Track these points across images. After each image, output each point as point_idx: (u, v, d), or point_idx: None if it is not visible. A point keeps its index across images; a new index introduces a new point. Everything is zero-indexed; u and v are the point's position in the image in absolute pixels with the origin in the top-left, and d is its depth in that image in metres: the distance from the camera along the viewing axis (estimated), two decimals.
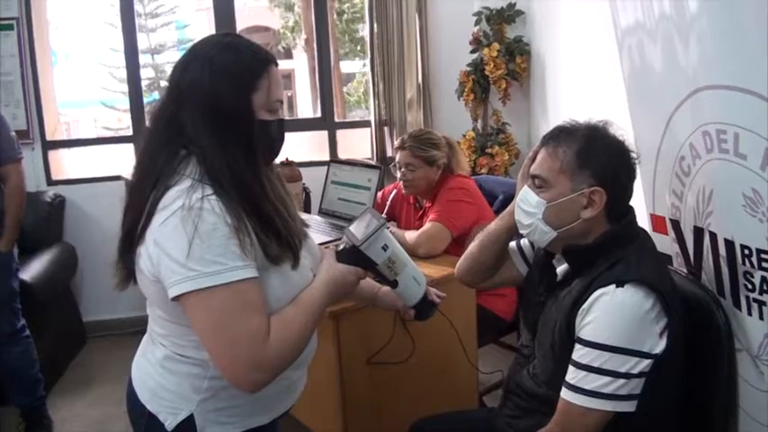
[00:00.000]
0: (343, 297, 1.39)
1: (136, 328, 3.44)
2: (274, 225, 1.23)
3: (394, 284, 1.40)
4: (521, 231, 1.52)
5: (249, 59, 1.23)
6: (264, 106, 1.24)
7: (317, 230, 2.45)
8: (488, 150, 3.83)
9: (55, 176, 3.83)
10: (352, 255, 1.33)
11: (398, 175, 2.63)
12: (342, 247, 1.36)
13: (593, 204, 1.40)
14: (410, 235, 2.44)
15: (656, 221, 1.82)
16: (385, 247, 1.35)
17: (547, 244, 1.47)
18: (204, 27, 6.18)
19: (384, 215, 2.51)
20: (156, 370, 1.29)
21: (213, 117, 1.19)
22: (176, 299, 1.14)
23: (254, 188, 1.21)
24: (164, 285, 1.15)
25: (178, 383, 1.26)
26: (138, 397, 1.30)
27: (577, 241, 1.44)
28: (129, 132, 4.02)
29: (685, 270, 1.69)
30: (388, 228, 1.37)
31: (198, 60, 1.22)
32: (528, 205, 1.45)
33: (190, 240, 1.11)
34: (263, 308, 1.17)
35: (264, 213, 1.22)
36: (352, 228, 1.35)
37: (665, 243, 1.75)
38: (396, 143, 2.70)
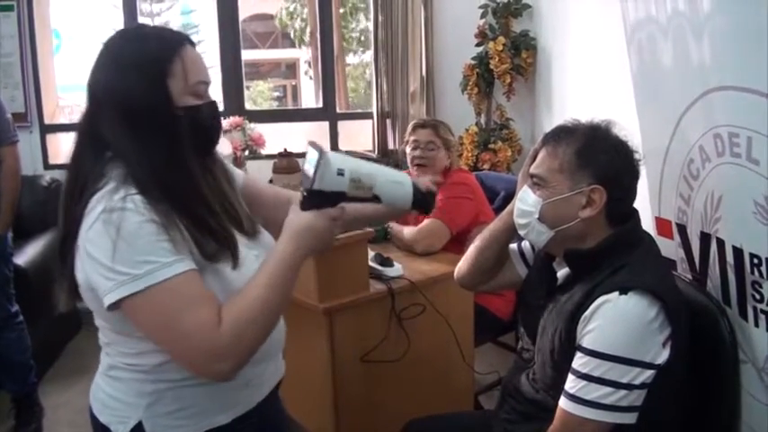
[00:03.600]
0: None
1: None
2: (207, 224, 1.16)
3: (377, 200, 1.25)
4: (519, 231, 1.48)
5: (155, 46, 1.16)
6: (185, 91, 1.16)
7: None
8: (491, 146, 3.78)
9: (52, 161, 3.80)
10: (314, 198, 1.18)
11: (412, 154, 2.60)
12: (301, 196, 1.23)
13: (593, 203, 1.36)
14: (408, 231, 2.41)
15: (661, 225, 1.77)
16: (341, 172, 1.18)
17: (544, 245, 1.44)
18: (209, 13, 6.14)
19: None
20: (104, 380, 1.26)
21: (128, 117, 1.13)
22: (114, 307, 1.08)
23: (180, 187, 1.15)
24: (98, 295, 1.10)
25: (125, 392, 1.23)
26: (93, 409, 1.28)
27: (576, 244, 1.40)
28: None
29: (690, 276, 1.64)
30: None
31: (106, 59, 1.17)
32: (526, 204, 1.42)
33: (114, 244, 1.05)
34: (206, 296, 1.11)
35: (195, 213, 1.15)
36: (304, 169, 1.21)
37: (669, 247, 1.70)
38: (414, 123, 2.70)
